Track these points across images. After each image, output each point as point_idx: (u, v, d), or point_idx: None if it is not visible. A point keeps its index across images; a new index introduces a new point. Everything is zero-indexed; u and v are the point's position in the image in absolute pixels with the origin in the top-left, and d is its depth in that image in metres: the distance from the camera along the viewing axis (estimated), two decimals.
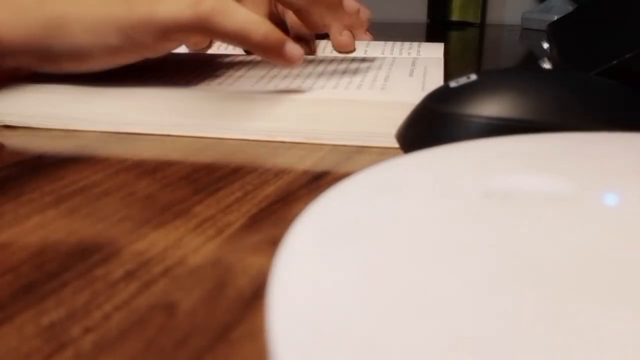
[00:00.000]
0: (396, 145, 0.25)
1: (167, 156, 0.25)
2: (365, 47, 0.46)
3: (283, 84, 0.31)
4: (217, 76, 0.34)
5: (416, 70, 0.35)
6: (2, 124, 0.30)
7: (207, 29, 0.28)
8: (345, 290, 0.10)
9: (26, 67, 0.31)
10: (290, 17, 0.42)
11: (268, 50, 0.29)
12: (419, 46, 0.47)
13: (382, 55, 0.43)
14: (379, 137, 0.27)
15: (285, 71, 0.35)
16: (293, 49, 0.29)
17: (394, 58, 0.40)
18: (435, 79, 0.33)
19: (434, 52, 0.44)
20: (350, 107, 0.27)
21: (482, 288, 0.10)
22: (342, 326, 0.09)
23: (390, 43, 0.48)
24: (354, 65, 0.36)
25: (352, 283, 0.10)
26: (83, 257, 0.16)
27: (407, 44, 0.48)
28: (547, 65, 0.39)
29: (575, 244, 0.11)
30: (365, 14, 0.53)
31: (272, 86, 0.31)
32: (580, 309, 0.09)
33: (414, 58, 0.40)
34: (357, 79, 0.32)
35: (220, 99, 0.29)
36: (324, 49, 0.46)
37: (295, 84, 0.31)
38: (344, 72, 0.34)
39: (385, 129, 0.26)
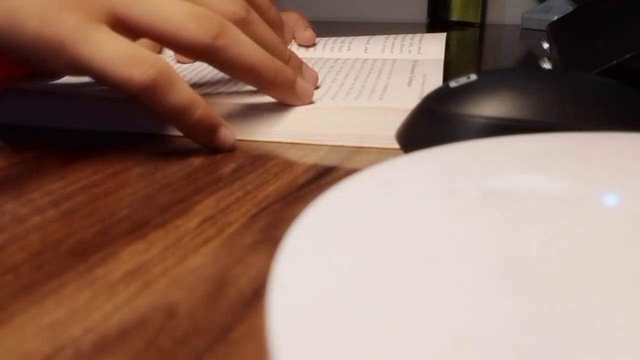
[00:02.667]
0: (396, 145, 0.25)
1: (167, 156, 0.25)
2: (366, 45, 0.45)
3: None
4: (212, 84, 0.33)
5: (415, 78, 0.34)
6: (4, 123, 0.30)
7: (148, 100, 0.24)
8: (345, 290, 0.10)
9: None
10: None
11: (202, 132, 0.25)
12: (420, 40, 0.46)
13: (382, 56, 0.42)
14: (376, 139, 0.27)
15: None
16: (227, 134, 0.26)
17: (394, 61, 0.40)
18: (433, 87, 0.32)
19: (435, 48, 0.44)
20: (348, 113, 0.27)
21: (481, 288, 0.10)
22: (341, 326, 0.09)
23: (391, 37, 0.47)
24: (352, 74, 0.36)
25: (351, 283, 0.10)
26: (83, 257, 0.16)
27: (408, 38, 0.47)
28: (547, 65, 0.38)
29: (575, 244, 0.11)
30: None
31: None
32: (580, 308, 0.09)
33: (413, 61, 0.39)
34: (355, 90, 0.31)
35: (222, 105, 0.29)
36: (324, 48, 0.45)
37: None
38: (342, 83, 0.33)
39: (382, 131, 0.26)
